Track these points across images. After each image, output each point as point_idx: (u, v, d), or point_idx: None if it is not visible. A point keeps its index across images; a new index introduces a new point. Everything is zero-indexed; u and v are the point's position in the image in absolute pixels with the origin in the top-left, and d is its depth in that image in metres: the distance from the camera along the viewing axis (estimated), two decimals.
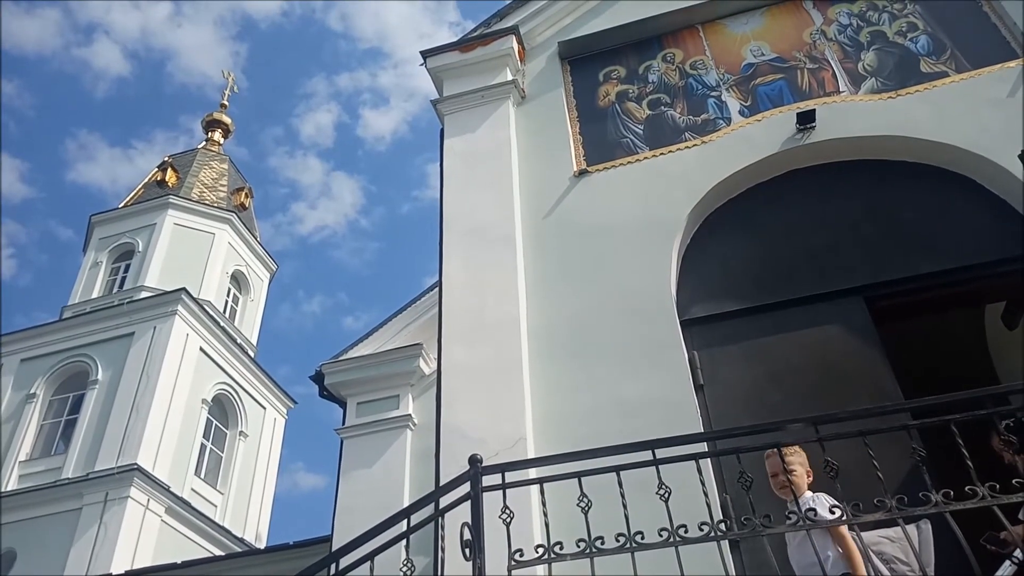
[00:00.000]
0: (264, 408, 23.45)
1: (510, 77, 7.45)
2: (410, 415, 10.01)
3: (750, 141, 6.34)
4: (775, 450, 3.53)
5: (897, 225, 5.68)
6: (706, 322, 5.65)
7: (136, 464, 17.42)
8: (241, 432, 22.09)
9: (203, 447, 20.60)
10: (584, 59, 7.69)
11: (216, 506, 20.34)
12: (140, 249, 23.02)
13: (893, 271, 5.44)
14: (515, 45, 7.61)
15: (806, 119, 6.14)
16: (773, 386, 5.12)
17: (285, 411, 24.53)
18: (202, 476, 20.21)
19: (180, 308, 20.41)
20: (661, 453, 3.38)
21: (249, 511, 21.41)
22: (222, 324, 22.44)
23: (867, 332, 5.16)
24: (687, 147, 6.55)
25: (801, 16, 7.22)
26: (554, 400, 5.35)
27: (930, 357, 7.05)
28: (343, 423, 10.38)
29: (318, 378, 10.49)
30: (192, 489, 19.48)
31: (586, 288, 5.87)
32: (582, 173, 6.63)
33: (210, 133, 29.09)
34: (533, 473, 3.65)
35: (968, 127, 5.77)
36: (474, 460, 3.55)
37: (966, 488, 2.99)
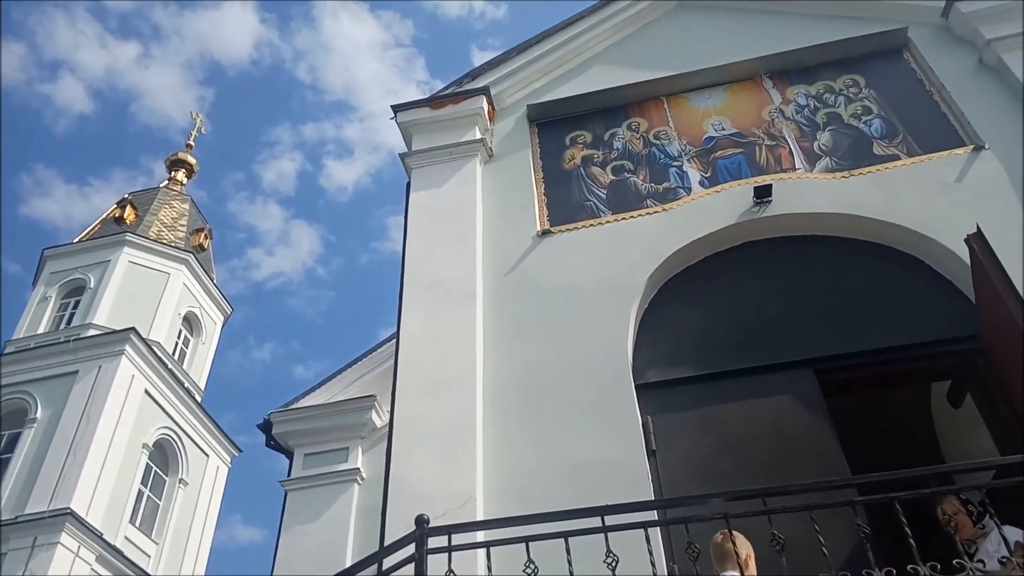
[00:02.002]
0: (207, 456, 22.74)
1: (479, 136, 7.56)
2: (359, 469, 9.78)
3: (709, 211, 6.49)
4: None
5: (848, 300, 5.81)
6: (661, 387, 5.67)
7: (69, 508, 16.68)
8: (181, 480, 21.35)
9: (140, 494, 19.84)
10: (552, 122, 7.85)
11: (150, 556, 19.49)
12: (91, 285, 22.48)
13: (843, 345, 5.55)
14: (485, 105, 7.75)
15: (763, 193, 6.31)
16: (724, 455, 5.13)
17: (229, 459, 23.82)
18: (137, 524, 19.40)
19: (128, 348, 19.89)
20: (611, 520, 3.35)
21: (184, 563, 20.54)
22: (170, 366, 21.88)
23: (816, 405, 5.22)
24: (648, 213, 6.68)
25: (761, 94, 7.49)
26: (506, 459, 5.29)
27: (878, 431, 7.16)
28: (288, 474, 10.09)
29: (266, 427, 10.22)
30: (126, 537, 18.67)
31: (544, 347, 5.88)
32: (545, 233, 6.70)
33: (173, 173, 28.85)
34: (480, 536, 3.58)
35: (918, 209, 5.98)
36: (420, 520, 3.47)
37: (908, 567, 3.00)
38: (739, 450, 5.14)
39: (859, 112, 7.04)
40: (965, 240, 5.13)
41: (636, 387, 5.55)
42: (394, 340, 6.36)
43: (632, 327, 5.91)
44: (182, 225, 25.98)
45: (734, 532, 3.41)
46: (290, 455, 10.31)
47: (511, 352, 5.89)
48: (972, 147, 6.32)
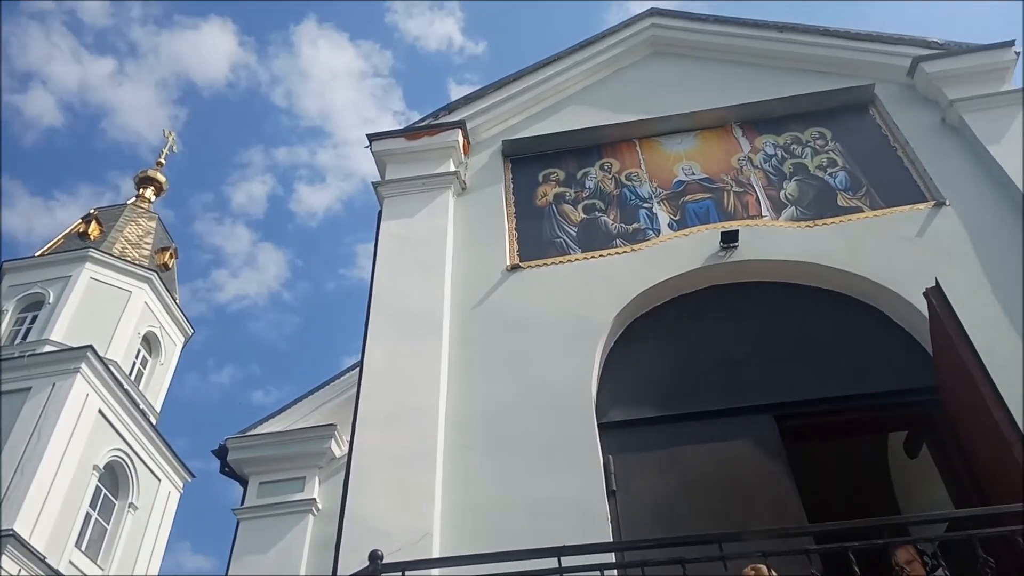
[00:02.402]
0: (159, 480, 22.17)
1: (453, 168, 7.60)
2: (314, 499, 9.60)
3: (677, 254, 6.57)
4: None
5: (810, 348, 5.89)
6: (623, 427, 5.67)
7: (12, 530, 16.10)
8: (131, 504, 20.76)
9: (88, 517, 19.22)
10: (526, 159, 7.92)
11: None
12: (50, 300, 21.98)
13: (803, 392, 5.61)
14: (461, 138, 7.81)
15: (730, 238, 6.41)
16: (684, 497, 5.13)
17: (181, 485, 23.24)
18: (83, 548, 18.76)
19: (84, 366, 19.42)
20: (567, 561, 3.32)
21: None
22: (126, 387, 21.38)
23: (775, 450, 5.26)
24: (617, 253, 6.74)
25: (730, 142, 7.65)
26: (465, 494, 5.23)
27: (836, 478, 7.23)
28: (242, 502, 9.87)
29: (221, 452, 10.00)
30: (70, 561, 18.04)
31: (508, 382, 5.85)
32: (514, 268, 6.72)
33: (142, 190, 28.51)
34: (435, 573, 3.52)
35: (879, 261, 6.11)
36: (375, 556, 3.41)
37: None
38: (698, 493, 5.14)
39: (825, 164, 7.21)
40: (924, 294, 5.25)
41: (599, 426, 5.54)
42: (357, 369, 6.29)
43: (597, 366, 5.93)
44: (147, 243, 25.60)
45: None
46: (244, 483, 10.10)
47: (475, 386, 5.85)
48: (933, 203, 6.49)
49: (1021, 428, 4.44)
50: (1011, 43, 7.41)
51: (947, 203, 6.43)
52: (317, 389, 10.60)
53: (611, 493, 5.18)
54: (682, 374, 5.89)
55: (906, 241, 6.25)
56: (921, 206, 6.51)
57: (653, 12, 9.03)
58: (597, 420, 5.57)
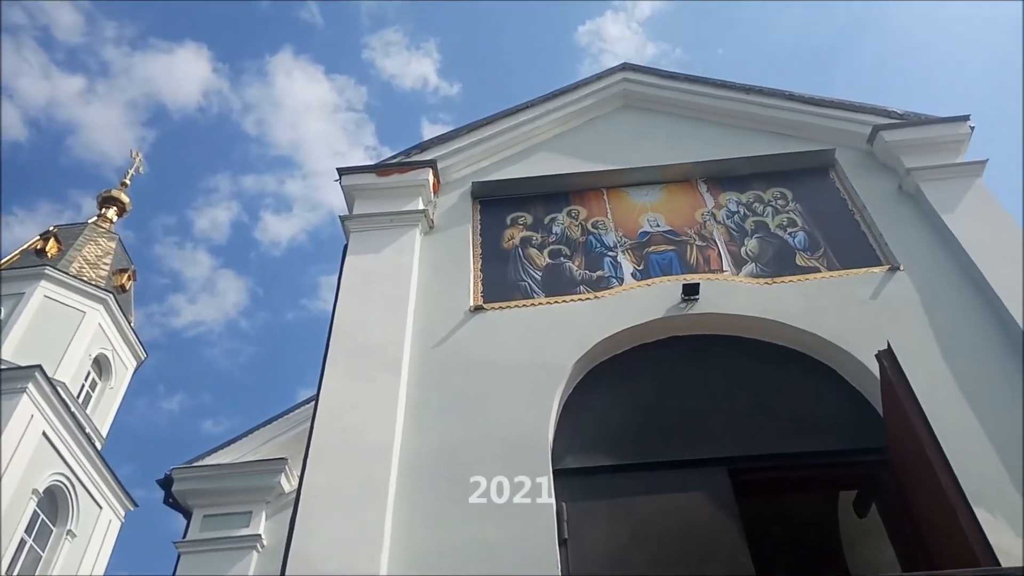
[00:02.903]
0: (100, 507, 21.42)
1: (421, 206, 7.63)
2: (260, 535, 9.36)
3: (639, 303, 6.63)
4: None
5: (765, 403, 5.96)
6: (577, 474, 5.65)
7: None
8: (69, 531, 20.00)
9: (22, 543, 18.44)
10: (495, 201, 7.99)
11: None
12: (1, 317, 21.36)
13: (757, 447, 5.66)
14: (431, 177, 7.86)
15: (691, 291, 6.51)
16: (635, 548, 5.11)
17: (123, 513, 22.47)
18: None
19: (30, 386, 18.82)
20: None
21: None
22: (73, 409, 20.75)
23: (728, 504, 5.28)
24: (580, 299, 6.79)
25: (695, 197, 7.81)
26: (415, 536, 5.14)
27: (786, 534, 7.26)
28: (184, 535, 9.58)
29: (166, 482, 9.73)
30: None
31: (464, 424, 5.81)
32: (477, 309, 6.72)
33: (104, 209, 28.06)
34: None
35: (833, 321, 6.24)
36: None
37: None
38: (650, 544, 5.13)
39: (785, 223, 7.39)
40: (876, 356, 5.36)
41: (553, 472, 5.51)
42: (312, 403, 6.19)
43: (555, 411, 5.92)
44: (106, 264, 25.12)
45: None
46: (188, 515, 9.82)
47: (431, 426, 5.80)
48: (888, 267, 6.67)
49: (967, 494, 4.51)
50: (966, 117, 7.73)
51: (901, 268, 6.62)
52: (270, 421, 10.42)
53: (563, 541, 5.13)
54: (639, 423, 5.90)
55: (861, 303, 6.40)
56: (876, 269, 6.69)
57: (625, 67, 9.26)
58: (552, 467, 5.54)
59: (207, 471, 9.80)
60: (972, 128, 7.67)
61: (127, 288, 25.71)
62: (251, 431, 10.37)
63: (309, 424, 5.95)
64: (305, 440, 5.86)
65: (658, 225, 7.53)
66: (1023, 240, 6.61)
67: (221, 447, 10.18)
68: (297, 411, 10.30)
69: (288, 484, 9.59)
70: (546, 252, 7.38)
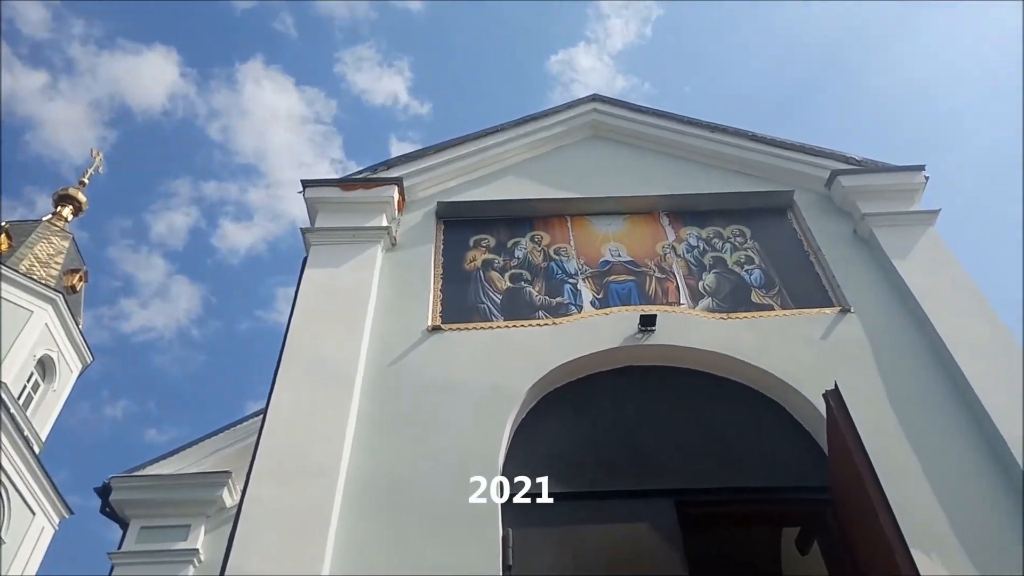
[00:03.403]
0: (34, 514, 20.67)
1: (385, 223, 7.60)
2: (197, 550, 9.12)
3: (596, 331, 6.67)
4: None
5: (714, 437, 6.02)
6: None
7: None
8: None
9: None
10: (459, 222, 8.00)
11: None
12: None
13: (704, 480, 5.70)
14: (396, 195, 7.84)
15: (648, 322, 6.56)
16: None
17: (57, 521, 21.72)
18: None
19: None
20: None
21: None
22: (12, 411, 20.07)
23: (673, 536, 5.29)
24: (539, 325, 6.80)
25: (657, 230, 7.92)
26: (357, 559, 5.04)
27: (730, 568, 7.29)
28: (119, 546, 9.28)
29: (104, 491, 9.44)
30: None
31: (415, 445, 5.75)
32: (435, 329, 6.69)
33: (59, 208, 27.39)
34: None
35: (784, 359, 6.33)
36: None
37: None
38: (594, 573, 5.11)
39: (742, 260, 7.52)
40: (823, 395, 5.45)
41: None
42: (260, 416, 6.07)
43: (507, 436, 5.89)
44: (58, 263, 24.49)
45: None
46: (125, 525, 9.54)
47: (381, 446, 5.72)
48: (839, 309, 6.81)
49: (905, 536, 4.59)
50: (922, 167, 7.97)
51: (852, 310, 6.76)
52: (215, 433, 10.20)
53: (507, 568, 5.08)
54: (589, 452, 5.91)
55: (811, 343, 6.51)
56: (828, 310, 6.82)
57: (596, 98, 9.40)
58: (501, 492, 5.50)
59: (147, 481, 9.54)
60: (927, 178, 7.91)
61: (78, 289, 25.07)
62: (195, 442, 10.13)
63: (255, 438, 5.84)
64: (250, 454, 5.73)
65: (619, 255, 7.60)
66: (971, 289, 6.82)
67: (163, 457, 9.92)
68: (244, 424, 10.11)
69: (230, 498, 9.38)
70: (507, 276, 7.39)
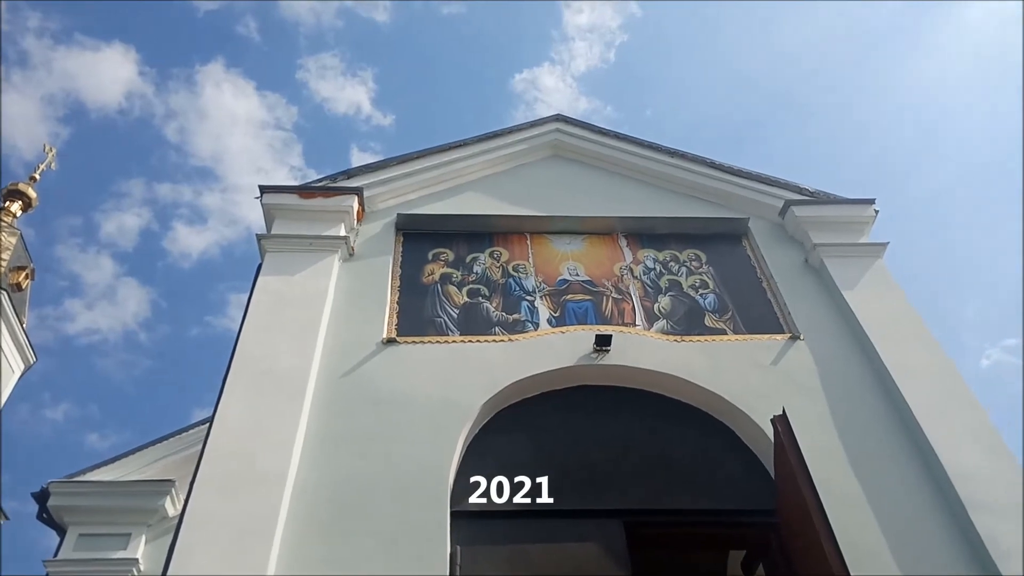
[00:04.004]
0: None
1: (343, 233, 7.55)
2: (137, 560, 8.88)
3: (552, 350, 6.69)
4: None
5: (664, 458, 6.07)
6: (475, 517, 5.59)
7: None
8: None
9: None
10: (418, 235, 7.99)
11: None
12: None
13: (653, 501, 5.75)
14: (356, 205, 7.80)
15: (603, 342, 6.61)
16: None
17: None
18: None
19: None
20: None
21: None
22: None
23: (621, 557, 5.31)
24: (495, 340, 6.80)
25: (615, 251, 8.00)
26: (301, 572, 4.95)
27: None
28: (55, 554, 8.99)
29: (42, 496, 9.14)
30: None
31: (365, 459, 5.68)
32: (390, 342, 6.64)
33: (8, 203, 26.56)
34: None
35: (735, 383, 6.43)
36: None
37: None
38: None
39: (697, 285, 7.63)
40: (771, 420, 5.55)
41: (452, 514, 5.44)
42: (207, 425, 5.95)
43: (459, 451, 5.87)
44: (3, 260, 23.72)
45: None
46: (62, 532, 9.24)
47: (330, 458, 5.65)
48: (789, 335, 6.95)
49: (847, 562, 4.67)
50: (871, 201, 8.20)
51: (801, 337, 6.90)
52: (159, 440, 9.96)
53: None
54: (540, 470, 5.90)
55: (761, 368, 6.63)
56: (778, 337, 6.96)
57: (559, 118, 9.50)
58: (451, 507, 5.47)
59: (87, 487, 9.27)
60: (876, 212, 8.14)
61: (23, 287, 24.28)
62: (138, 449, 9.89)
63: (201, 447, 5.71)
64: (195, 463, 5.61)
65: (577, 274, 7.66)
66: (915, 320, 7.02)
67: (105, 463, 9.65)
68: (190, 432, 9.90)
69: (173, 508, 9.15)
70: (465, 290, 7.39)
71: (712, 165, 8.76)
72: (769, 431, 5.70)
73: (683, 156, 8.88)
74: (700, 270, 7.83)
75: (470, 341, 6.79)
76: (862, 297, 7.21)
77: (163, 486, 9.24)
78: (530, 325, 7.03)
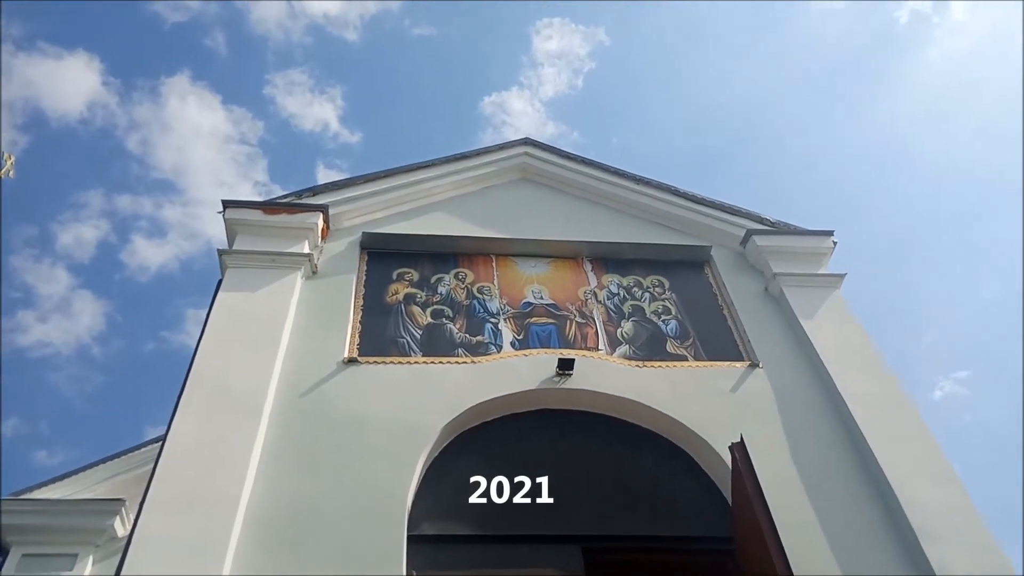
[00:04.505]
0: None
1: (307, 250, 7.48)
2: None
3: (515, 372, 6.68)
4: None
5: (624, 484, 6.08)
6: (433, 541, 5.54)
7: None
8: None
9: None
10: (383, 254, 7.95)
11: None
12: None
13: (611, 527, 5.74)
14: (321, 222, 7.74)
15: (566, 366, 6.62)
16: None
17: None
18: None
19: None
20: None
21: None
22: None
23: None
24: (457, 362, 6.77)
25: (580, 275, 8.05)
26: None
27: None
28: None
29: None
30: None
31: (322, 480, 5.60)
32: (351, 361, 6.58)
33: None
34: None
35: (695, 410, 6.48)
36: None
37: None
38: None
39: (660, 311, 7.70)
40: (729, 447, 5.59)
41: (408, 538, 5.37)
42: (160, 443, 5.81)
43: (417, 474, 5.81)
44: None
45: None
46: (5, 552, 8.91)
47: (286, 479, 5.55)
48: (748, 363, 7.03)
49: None
50: (830, 232, 8.37)
51: (760, 365, 6.99)
52: (111, 458, 9.71)
53: None
54: (499, 495, 5.86)
55: (721, 395, 6.69)
56: (738, 364, 7.03)
57: (527, 142, 9.56)
58: (408, 532, 5.40)
59: (33, 505, 8.97)
60: (835, 243, 8.31)
61: None
62: (88, 467, 9.62)
63: (153, 465, 5.57)
64: (147, 482, 5.47)
65: (542, 297, 7.68)
66: (871, 350, 7.15)
67: (52, 481, 9.37)
68: (142, 450, 9.66)
69: (123, 528, 8.90)
70: (429, 311, 7.36)
71: (677, 193, 8.87)
72: (727, 458, 5.74)
73: (649, 183, 8.99)
74: (663, 296, 7.90)
75: (432, 362, 6.75)
76: (820, 327, 7.33)
77: (113, 505, 8.97)
78: (493, 347, 7.01)
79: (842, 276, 8.01)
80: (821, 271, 8.12)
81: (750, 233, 8.25)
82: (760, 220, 8.53)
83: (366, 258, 7.89)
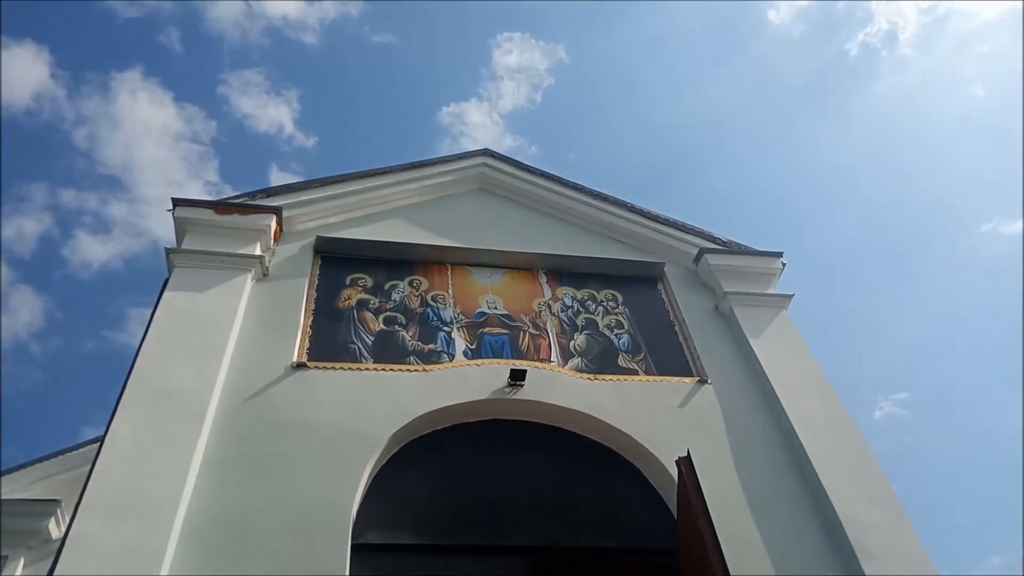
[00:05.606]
0: None
1: (258, 252, 7.35)
2: None
3: (466, 382, 6.66)
4: None
5: (571, 496, 6.09)
6: (377, 550, 5.48)
7: None
8: None
9: None
10: (337, 259, 7.86)
11: None
12: None
13: (557, 539, 5.74)
14: (274, 224, 7.62)
15: (518, 376, 6.62)
16: None
17: None
18: None
19: None
20: None
21: None
22: None
23: None
24: (408, 370, 6.72)
25: (534, 286, 8.07)
26: None
27: None
28: None
29: None
30: None
31: (264, 487, 5.49)
32: (300, 366, 6.48)
33: None
34: None
35: (644, 423, 6.53)
36: None
37: None
38: None
39: (612, 324, 7.76)
40: (676, 461, 5.65)
41: (352, 547, 5.29)
42: (97, 444, 5.63)
43: (364, 483, 5.74)
44: None
45: None
46: None
47: (227, 486, 5.41)
48: (697, 379, 7.12)
49: None
50: (780, 254, 8.55)
51: (709, 381, 7.09)
52: (46, 458, 9.37)
53: None
54: (446, 504, 5.83)
55: (670, 410, 6.76)
56: (687, 380, 7.12)
57: (487, 152, 9.57)
58: (352, 541, 5.32)
59: None
60: (784, 264, 8.48)
61: None
62: (22, 466, 9.27)
63: (89, 467, 5.40)
64: (83, 484, 5.30)
65: (496, 308, 7.67)
66: (815, 370, 7.30)
67: None
68: (79, 451, 9.35)
69: (57, 530, 8.58)
70: (381, 318, 7.30)
71: (633, 209, 8.97)
72: (674, 472, 5.79)
73: (606, 199, 9.07)
74: (616, 310, 7.97)
75: (383, 369, 6.69)
76: (767, 345, 7.47)
77: (47, 507, 8.65)
78: (445, 356, 6.98)
79: (790, 296, 8.18)
80: (770, 291, 8.28)
81: (702, 251, 8.38)
82: (712, 239, 8.67)
83: (319, 262, 7.79)
